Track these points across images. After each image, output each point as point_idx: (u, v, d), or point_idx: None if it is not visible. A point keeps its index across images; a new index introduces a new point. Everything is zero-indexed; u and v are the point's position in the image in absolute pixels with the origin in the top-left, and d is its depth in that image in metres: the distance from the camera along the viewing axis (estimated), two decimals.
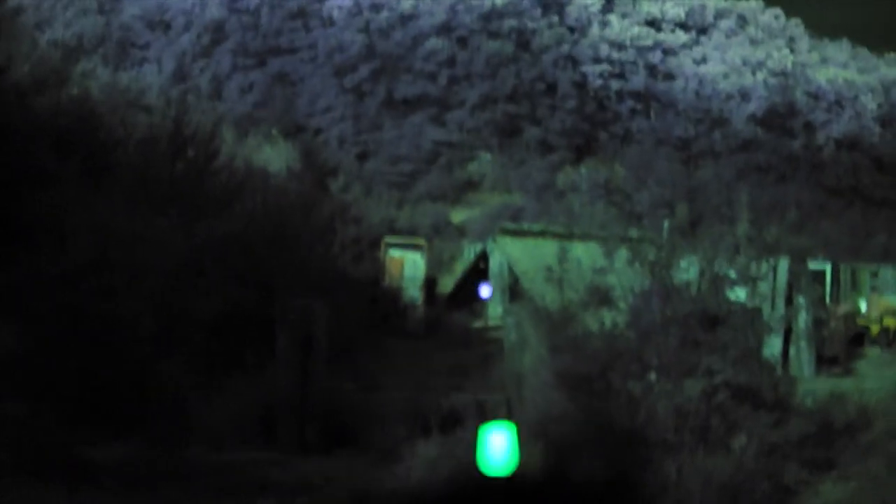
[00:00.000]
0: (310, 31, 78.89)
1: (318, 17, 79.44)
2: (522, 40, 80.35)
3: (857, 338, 30.50)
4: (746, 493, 13.91)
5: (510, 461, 10.12)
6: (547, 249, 23.33)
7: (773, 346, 22.78)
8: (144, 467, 13.72)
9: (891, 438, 15.83)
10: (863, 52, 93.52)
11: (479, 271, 36.67)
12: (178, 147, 23.15)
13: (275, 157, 39.31)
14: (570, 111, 78.64)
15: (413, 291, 32.80)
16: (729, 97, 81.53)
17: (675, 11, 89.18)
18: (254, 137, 42.45)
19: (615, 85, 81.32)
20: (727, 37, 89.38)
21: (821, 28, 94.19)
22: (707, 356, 14.91)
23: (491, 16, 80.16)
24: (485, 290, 33.25)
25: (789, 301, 26.28)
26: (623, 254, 16.34)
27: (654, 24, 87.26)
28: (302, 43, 78.29)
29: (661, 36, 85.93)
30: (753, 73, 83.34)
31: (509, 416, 15.89)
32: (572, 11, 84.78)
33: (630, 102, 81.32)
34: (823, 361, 26.84)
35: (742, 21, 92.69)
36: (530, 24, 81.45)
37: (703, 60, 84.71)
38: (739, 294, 16.60)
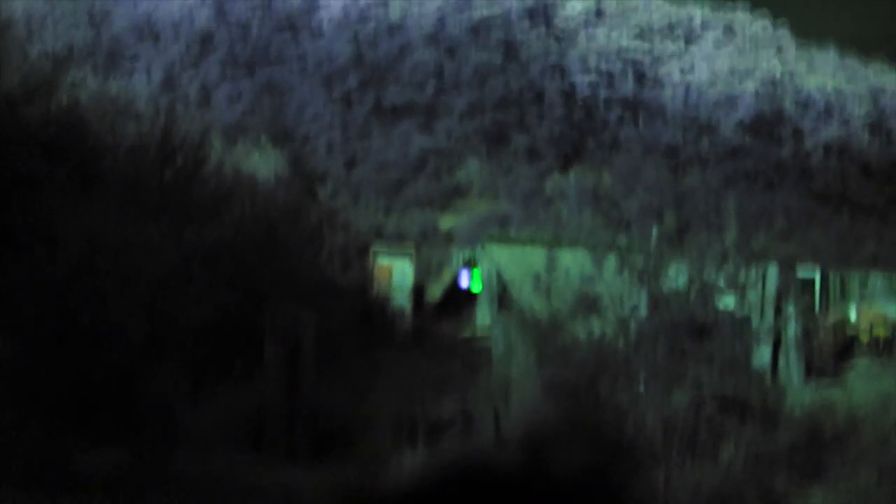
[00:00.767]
0: (299, 41, 78.88)
1: (307, 28, 79.45)
2: (510, 50, 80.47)
3: (847, 347, 30.49)
4: (735, 502, 13.92)
5: None
6: (535, 257, 23.30)
7: (762, 356, 22.76)
8: (132, 475, 13.68)
9: (880, 448, 15.85)
10: (851, 60, 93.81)
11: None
12: (167, 155, 23.14)
13: (263, 164, 39.19)
14: (557, 119, 78.74)
15: (401, 299, 32.74)
16: (717, 105, 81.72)
17: (663, 21, 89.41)
18: (242, 145, 42.33)
19: (603, 93, 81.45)
20: (715, 46, 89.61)
21: (809, 35, 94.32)
22: (695, 366, 14.93)
23: (479, 27, 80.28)
24: (464, 279, 33.25)
25: (778, 310, 26.27)
26: (611, 262, 16.36)
27: (641, 33, 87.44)
28: (291, 53, 78.26)
29: (649, 45, 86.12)
30: (741, 82, 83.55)
31: (497, 425, 15.90)
32: (560, 22, 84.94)
33: (618, 111, 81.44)
34: (813, 371, 26.82)
35: (730, 30, 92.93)
36: (518, 35, 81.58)
37: (691, 69, 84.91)
38: (728, 303, 16.64)
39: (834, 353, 28.08)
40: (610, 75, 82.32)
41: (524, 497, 13.13)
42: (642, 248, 16.81)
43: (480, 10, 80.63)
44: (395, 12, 78.97)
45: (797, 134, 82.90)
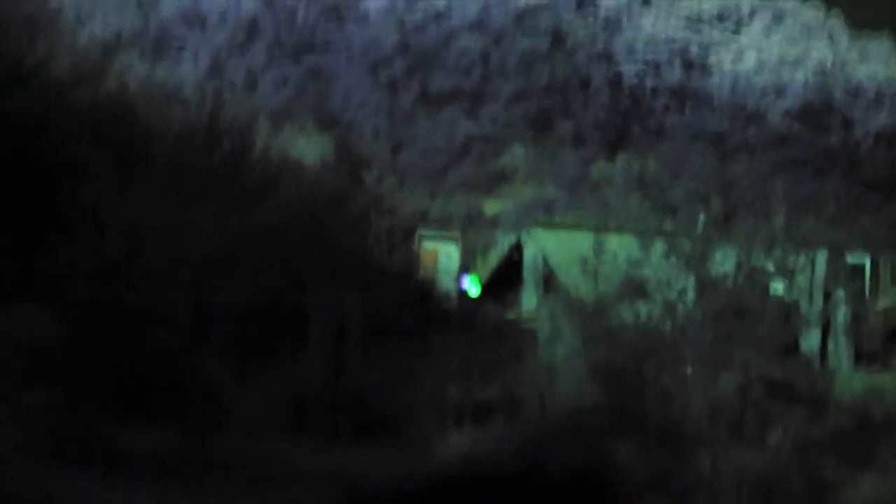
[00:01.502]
0: (344, 26, 78.97)
1: (352, 13, 79.48)
2: (556, 37, 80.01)
3: None
4: (782, 488, 13.77)
5: None
6: (581, 242, 23.16)
7: (811, 341, 22.54)
8: (178, 456, 13.76)
9: None
10: None
11: (513, 263, 36.50)
12: (213, 140, 23.25)
13: (309, 149, 39.30)
14: (603, 106, 78.25)
15: (447, 283, 32.70)
16: (765, 93, 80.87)
17: (711, 7, 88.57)
18: (288, 130, 42.48)
19: (650, 82, 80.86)
20: (764, 34, 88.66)
21: (862, 24, 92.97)
22: (742, 351, 14.78)
23: (525, 14, 79.94)
24: (465, 282, 33.28)
25: (828, 295, 25.98)
26: (658, 247, 16.24)
27: (689, 20, 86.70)
28: (337, 38, 78.34)
29: (697, 33, 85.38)
30: (791, 70, 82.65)
31: (542, 407, 15.85)
32: (606, 10, 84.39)
33: (664, 98, 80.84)
34: (862, 356, 26.52)
35: (779, 18, 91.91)
36: (564, 22, 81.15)
37: (740, 57, 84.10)
38: (777, 288, 16.47)
39: (884, 339, 27.74)
40: (657, 64, 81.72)
41: (570, 479, 13.08)
42: (689, 233, 16.68)
43: None
44: (440, 0, 78.85)
45: (847, 122, 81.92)
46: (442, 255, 33.46)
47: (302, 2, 78.68)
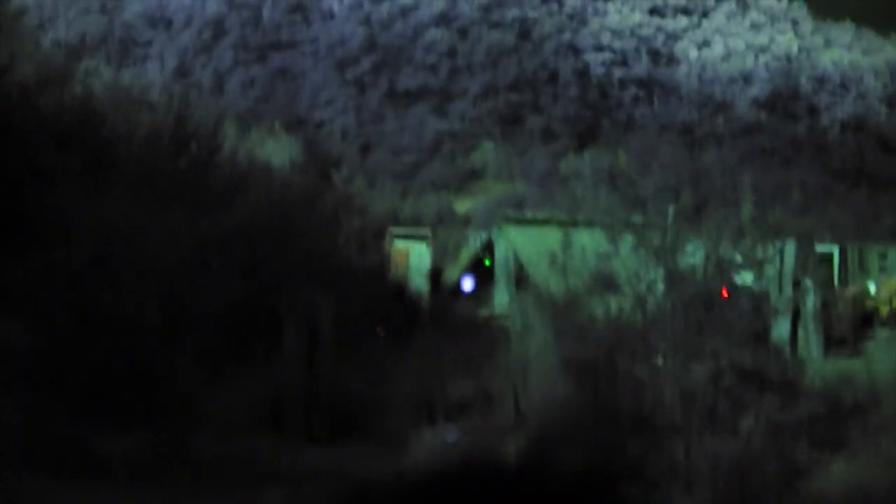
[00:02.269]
0: (310, 24, 78.82)
1: (318, 11, 79.38)
2: (523, 30, 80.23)
3: (867, 319, 30.38)
4: (755, 473, 13.90)
5: None
6: (551, 237, 23.23)
7: (780, 329, 22.70)
8: (153, 459, 13.75)
9: None
10: (867, 33, 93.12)
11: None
12: (181, 143, 23.17)
13: (278, 150, 39.28)
14: (572, 99, 78.53)
15: (419, 282, 32.72)
16: (732, 81, 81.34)
17: None
18: (256, 132, 42.41)
19: (617, 72, 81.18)
20: (728, 20, 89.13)
21: (824, 10, 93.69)
22: (713, 340, 14.90)
23: (491, 6, 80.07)
24: (467, 283, 33.31)
25: (797, 284, 26.18)
26: (628, 240, 16.32)
27: (655, 9, 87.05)
28: (303, 37, 78.23)
29: (663, 21, 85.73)
30: (756, 57, 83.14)
31: (516, 402, 15.92)
32: (571, 0, 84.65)
33: (633, 89, 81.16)
34: (832, 343, 26.76)
35: (744, 4, 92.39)
36: (531, 14, 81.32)
37: (706, 44, 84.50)
38: (747, 278, 16.59)
39: (853, 326, 28.01)
40: (623, 52, 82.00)
41: (544, 471, 13.16)
42: (659, 225, 16.77)
43: None
44: None
45: (813, 110, 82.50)
46: (413, 254, 33.49)
47: (267, 0, 78.52)
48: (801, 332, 26.14)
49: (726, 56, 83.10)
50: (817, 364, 21.61)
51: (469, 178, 71.61)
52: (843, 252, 34.39)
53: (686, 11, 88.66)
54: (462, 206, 64.40)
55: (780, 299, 21.10)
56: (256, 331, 18.86)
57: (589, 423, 14.21)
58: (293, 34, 78.21)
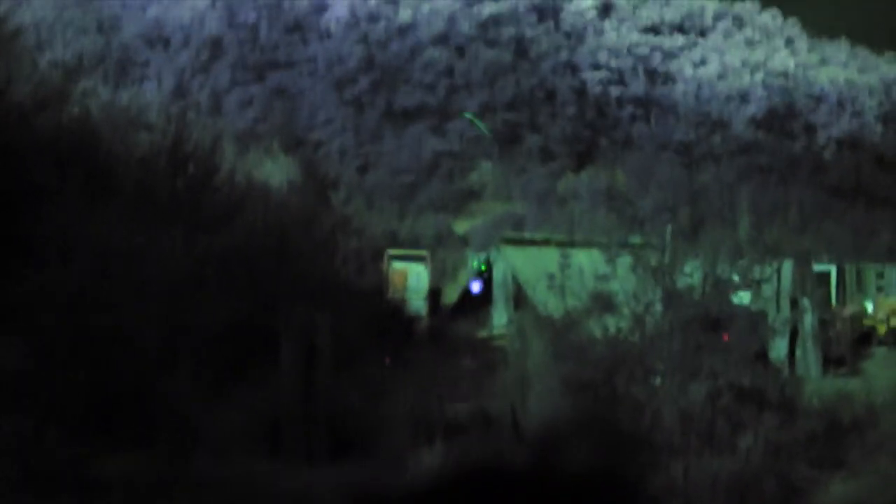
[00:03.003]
0: (308, 44, 78.88)
1: (315, 30, 79.43)
2: (520, 48, 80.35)
3: (865, 338, 30.40)
4: (754, 493, 13.90)
5: None
6: (549, 257, 23.29)
7: (778, 348, 22.76)
8: (151, 480, 13.71)
9: None
10: (862, 51, 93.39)
11: (483, 282, 36.59)
12: (178, 163, 23.17)
13: (275, 170, 39.28)
14: (569, 118, 78.60)
15: (417, 303, 32.73)
16: (728, 99, 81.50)
17: (673, 15, 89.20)
18: (254, 152, 42.42)
19: (615, 91, 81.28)
20: (725, 38, 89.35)
21: (819, 28, 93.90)
22: (711, 360, 14.91)
23: (488, 24, 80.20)
24: (475, 285, 33.35)
25: (794, 303, 26.22)
26: (625, 260, 16.37)
27: (651, 28, 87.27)
28: (300, 56, 78.28)
29: (659, 40, 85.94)
30: (752, 75, 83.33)
31: (514, 422, 15.90)
32: (568, 17, 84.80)
33: (630, 108, 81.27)
34: (830, 362, 26.78)
35: (739, 22, 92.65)
36: (528, 32, 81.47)
37: (702, 63, 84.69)
38: (744, 298, 16.62)
39: (851, 344, 28.03)
40: (620, 72, 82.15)
41: (543, 492, 13.12)
42: (657, 245, 16.82)
43: (489, 7, 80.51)
44: (404, 11, 78.94)
45: (809, 127, 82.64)
46: (412, 275, 33.52)
47: (264, 19, 78.61)
48: (799, 352, 26.19)
49: (723, 74, 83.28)
50: (815, 383, 21.62)
51: (467, 199, 71.61)
52: (840, 271, 34.49)
53: (682, 30, 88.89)
54: (461, 226, 64.42)
55: (778, 318, 21.18)
56: (254, 351, 18.83)
57: (588, 444, 14.19)
58: (291, 53, 78.28)
